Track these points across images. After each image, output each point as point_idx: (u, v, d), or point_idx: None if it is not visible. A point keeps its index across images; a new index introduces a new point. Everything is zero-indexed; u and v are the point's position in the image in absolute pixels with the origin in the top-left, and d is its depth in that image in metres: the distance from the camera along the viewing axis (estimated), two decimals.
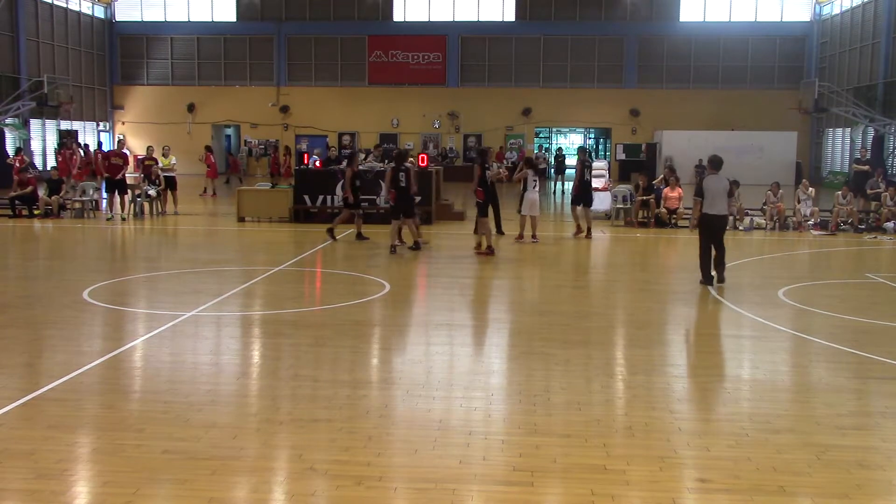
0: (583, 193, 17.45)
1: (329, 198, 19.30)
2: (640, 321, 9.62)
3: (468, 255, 14.39)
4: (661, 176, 21.30)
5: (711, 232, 11.66)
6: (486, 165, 14.84)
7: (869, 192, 21.26)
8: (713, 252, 11.66)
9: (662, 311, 10.44)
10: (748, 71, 41.48)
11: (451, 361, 7.67)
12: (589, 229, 17.31)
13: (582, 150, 18.66)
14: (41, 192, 20.80)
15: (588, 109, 42.05)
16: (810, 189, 19.79)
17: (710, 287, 11.48)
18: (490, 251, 14.36)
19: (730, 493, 4.77)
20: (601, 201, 21.48)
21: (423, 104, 42.17)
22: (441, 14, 42.18)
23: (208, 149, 28.76)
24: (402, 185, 14.48)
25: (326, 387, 6.74)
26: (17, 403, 6.17)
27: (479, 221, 14.76)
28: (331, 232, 16.02)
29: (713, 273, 11.64)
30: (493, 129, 41.96)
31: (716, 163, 11.85)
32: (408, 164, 15.39)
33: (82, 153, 30.07)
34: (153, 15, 43.37)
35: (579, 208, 17.67)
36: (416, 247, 14.69)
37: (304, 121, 42.79)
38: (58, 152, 30.17)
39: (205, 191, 27.83)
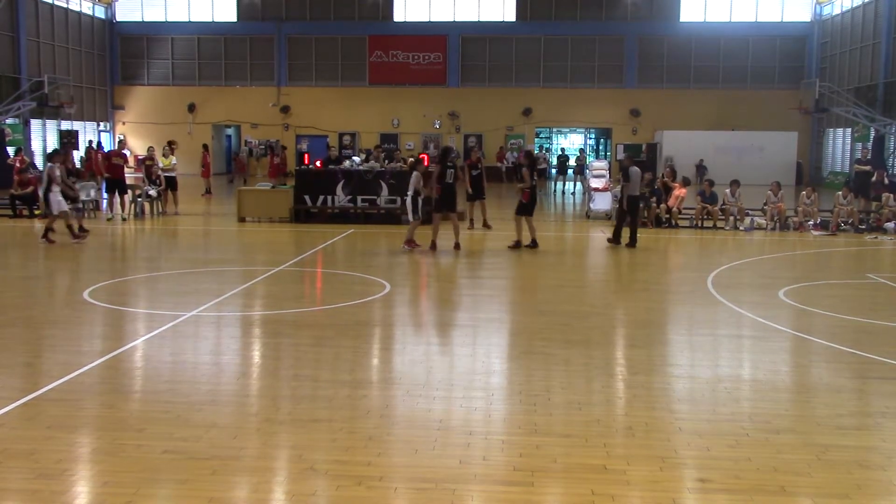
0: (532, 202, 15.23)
1: (329, 198, 19.31)
2: (640, 321, 9.61)
3: (468, 255, 14.39)
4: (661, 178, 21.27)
5: (632, 208, 15.75)
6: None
7: (882, 186, 21.29)
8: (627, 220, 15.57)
9: (662, 310, 10.45)
10: (748, 71, 41.46)
11: (451, 361, 7.66)
12: (533, 239, 15.20)
13: (528, 154, 16.83)
14: (41, 193, 20.76)
15: (588, 109, 42.03)
16: (814, 195, 19.82)
17: (618, 244, 15.46)
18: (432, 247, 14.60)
19: (730, 493, 4.77)
20: (601, 201, 21.50)
21: (423, 104, 42.16)
22: (441, 14, 42.17)
23: (205, 147, 28.88)
24: (450, 181, 14.79)
25: (326, 387, 6.74)
26: (17, 403, 6.16)
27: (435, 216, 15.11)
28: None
29: (621, 239, 15.62)
30: (493, 129, 41.94)
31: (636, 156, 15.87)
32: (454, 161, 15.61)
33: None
34: (153, 15, 43.39)
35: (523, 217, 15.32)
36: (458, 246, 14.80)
37: (305, 121, 42.78)
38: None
39: (207, 191, 27.89)
